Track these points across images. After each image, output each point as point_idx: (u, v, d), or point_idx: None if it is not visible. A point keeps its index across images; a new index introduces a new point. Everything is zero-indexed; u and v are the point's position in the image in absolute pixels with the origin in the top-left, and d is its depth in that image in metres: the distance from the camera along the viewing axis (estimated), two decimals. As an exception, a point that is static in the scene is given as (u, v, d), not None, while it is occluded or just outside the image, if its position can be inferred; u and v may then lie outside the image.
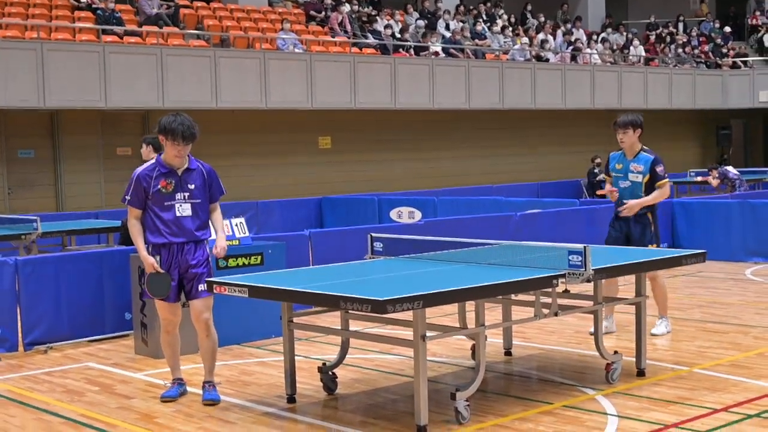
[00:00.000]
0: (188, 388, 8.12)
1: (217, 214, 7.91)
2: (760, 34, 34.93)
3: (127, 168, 20.41)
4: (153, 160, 7.76)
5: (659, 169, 9.58)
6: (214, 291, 7.45)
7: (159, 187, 7.59)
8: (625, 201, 9.65)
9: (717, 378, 8.11)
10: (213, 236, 7.87)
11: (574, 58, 29.54)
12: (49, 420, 7.49)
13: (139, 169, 7.72)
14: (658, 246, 9.72)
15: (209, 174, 7.80)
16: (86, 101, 19.39)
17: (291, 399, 7.74)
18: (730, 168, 21.81)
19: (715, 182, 21.49)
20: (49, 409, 7.82)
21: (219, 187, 7.87)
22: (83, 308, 10.43)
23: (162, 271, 7.58)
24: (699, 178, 23.20)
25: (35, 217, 13.83)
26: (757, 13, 36.10)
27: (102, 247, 13.55)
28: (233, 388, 8.21)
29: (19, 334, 10.11)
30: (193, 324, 7.82)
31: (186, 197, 7.65)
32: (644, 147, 9.76)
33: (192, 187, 7.67)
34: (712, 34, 35.36)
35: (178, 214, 7.63)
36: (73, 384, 8.66)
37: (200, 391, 7.85)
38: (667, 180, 9.68)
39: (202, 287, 7.65)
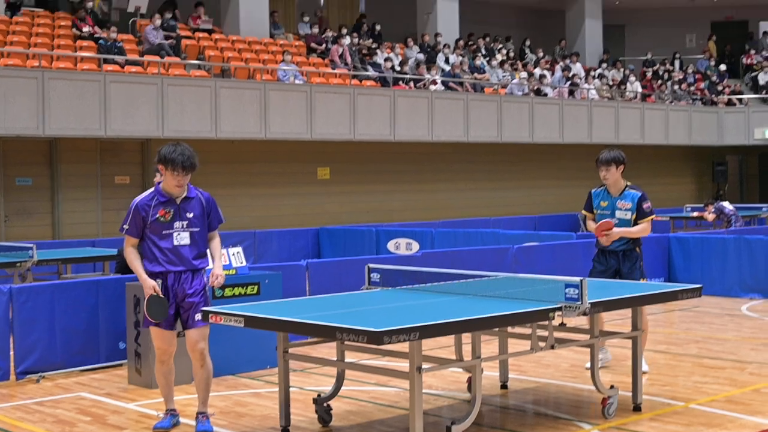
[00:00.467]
0: (181, 419, 8.06)
1: (216, 243, 7.90)
2: (754, 73, 35.21)
3: (125, 197, 20.47)
4: (152, 189, 7.76)
5: (646, 205, 9.53)
6: (210, 320, 7.42)
7: (157, 215, 7.58)
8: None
9: (713, 414, 8.09)
10: (211, 265, 7.86)
11: (571, 93, 29.67)
12: (41, 449, 7.44)
13: (138, 198, 7.72)
14: (646, 281, 9.74)
15: (208, 202, 7.80)
16: (86, 130, 19.42)
17: (285, 431, 7.70)
18: (726, 203, 21.83)
19: (711, 217, 21.52)
20: (41, 438, 7.77)
21: (218, 215, 7.87)
22: (77, 337, 10.34)
23: (161, 295, 7.57)
24: (695, 214, 23.24)
25: (31, 245, 13.77)
26: (752, 51, 36.45)
27: (98, 276, 13.52)
28: (227, 419, 8.18)
29: (12, 363, 10.01)
30: (189, 354, 7.79)
31: (184, 226, 7.64)
32: (629, 183, 9.68)
33: (190, 215, 7.66)
34: (708, 72, 35.63)
35: (176, 243, 7.61)
36: (64, 414, 8.58)
37: (194, 423, 7.81)
38: (652, 216, 9.62)
39: (198, 317, 7.62)
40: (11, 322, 9.99)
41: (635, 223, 9.58)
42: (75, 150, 20.37)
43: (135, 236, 7.65)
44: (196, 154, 7.65)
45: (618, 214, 9.56)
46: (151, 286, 7.53)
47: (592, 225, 9.86)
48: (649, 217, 9.53)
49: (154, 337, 7.80)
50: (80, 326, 10.36)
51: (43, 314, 10.14)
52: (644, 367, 9.80)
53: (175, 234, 7.61)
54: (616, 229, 9.50)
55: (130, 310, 9.79)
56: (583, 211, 10.03)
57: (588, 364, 9.71)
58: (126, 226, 7.64)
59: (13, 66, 19.06)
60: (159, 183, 7.72)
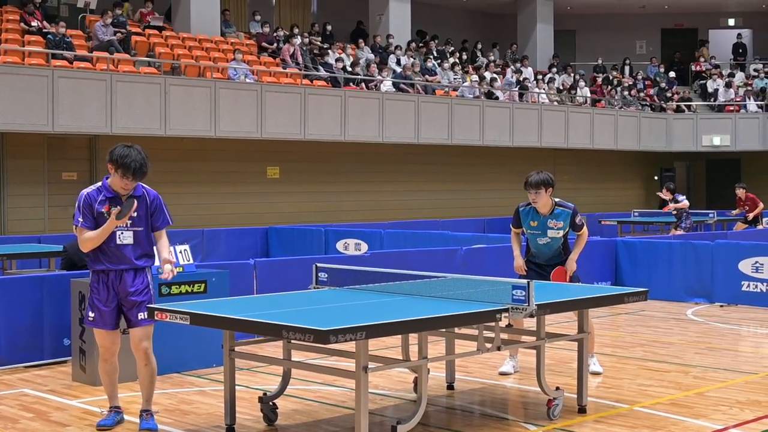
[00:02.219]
0: (126, 417, 8.00)
1: (163, 241, 7.78)
2: (703, 81, 35.65)
3: (72, 193, 20.20)
4: (99, 183, 7.66)
5: (578, 219, 9.43)
6: (156, 318, 7.36)
7: (102, 210, 7.49)
8: (536, 258, 9.65)
9: (657, 416, 8.16)
10: (157, 263, 7.79)
11: (521, 96, 29.81)
12: (-19, 446, 7.35)
13: (86, 190, 7.61)
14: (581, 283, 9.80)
15: (153, 201, 7.68)
16: (33, 125, 19.23)
17: (230, 429, 7.65)
18: (683, 197, 21.84)
19: (668, 195, 21.33)
20: (-18, 435, 7.68)
21: (164, 216, 7.74)
22: (21, 333, 10.24)
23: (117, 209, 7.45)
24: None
25: (-24, 240, 13.67)
26: (701, 59, 36.87)
27: (43, 272, 13.40)
28: (172, 417, 8.12)
29: (-45, 358, 9.93)
30: (132, 352, 7.72)
31: (128, 225, 7.53)
32: (556, 200, 9.51)
33: (135, 214, 7.59)
34: (657, 78, 36.00)
35: (118, 242, 7.51)
36: (7, 410, 8.48)
37: (138, 420, 7.74)
38: (584, 225, 9.56)
39: (142, 315, 7.54)
40: (-45, 317, 9.87)
41: (566, 237, 9.55)
42: (22, 145, 20.15)
43: (90, 229, 7.49)
44: (148, 158, 7.53)
45: (550, 233, 9.43)
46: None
47: (516, 247, 9.75)
48: (584, 229, 9.50)
49: (97, 335, 7.73)
50: (25, 322, 10.26)
51: (-14, 310, 10.02)
52: (598, 368, 9.87)
53: (118, 233, 7.50)
54: (571, 264, 9.50)
55: (75, 307, 9.69)
56: (511, 227, 9.81)
57: (501, 369, 9.81)
58: (80, 219, 7.50)
59: (-41, 59, 18.82)
60: (107, 177, 7.63)
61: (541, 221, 9.45)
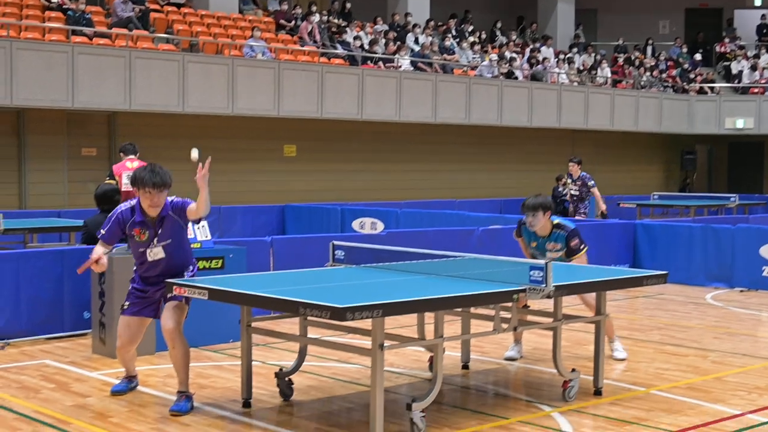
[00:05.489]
0: (142, 388, 8.09)
1: (196, 203, 7.77)
2: (727, 62, 35.26)
3: (91, 168, 20.38)
4: (134, 201, 7.69)
5: (573, 243, 9.17)
6: (174, 292, 7.41)
7: (133, 233, 7.63)
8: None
9: (674, 400, 8.15)
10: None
11: (534, 77, 29.63)
12: (3, 416, 7.42)
13: (121, 207, 7.72)
14: None
15: (177, 210, 7.69)
16: (53, 101, 19.29)
17: (246, 404, 7.71)
18: (593, 184, 20.45)
19: (575, 169, 19.78)
20: (4, 404, 7.75)
21: (182, 202, 7.76)
22: (42, 306, 10.37)
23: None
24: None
25: (-3, 214, 13.77)
26: (726, 40, 36.46)
27: (63, 246, 13.48)
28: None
29: (-23, 329, 10.05)
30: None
31: (156, 242, 7.63)
32: (555, 222, 9.26)
33: (160, 232, 7.64)
34: (680, 59, 35.67)
35: (150, 258, 7.62)
36: (29, 381, 8.60)
37: (155, 392, 7.82)
38: (584, 250, 9.25)
39: (170, 295, 7.62)
40: (-22, 289, 9.98)
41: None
42: (42, 121, 20.22)
43: (108, 243, 7.73)
44: (169, 172, 7.60)
45: (549, 254, 9.30)
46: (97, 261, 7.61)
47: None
48: (581, 253, 9.20)
49: (119, 325, 7.86)
50: (46, 295, 10.39)
51: (9, 282, 10.17)
52: (621, 354, 9.77)
53: (148, 251, 7.63)
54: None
55: (95, 281, 9.77)
56: (515, 235, 9.65)
57: (506, 354, 9.77)
58: (103, 231, 7.73)
59: (-20, 35, 18.88)
60: (137, 198, 7.67)
61: (539, 243, 9.28)
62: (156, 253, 7.64)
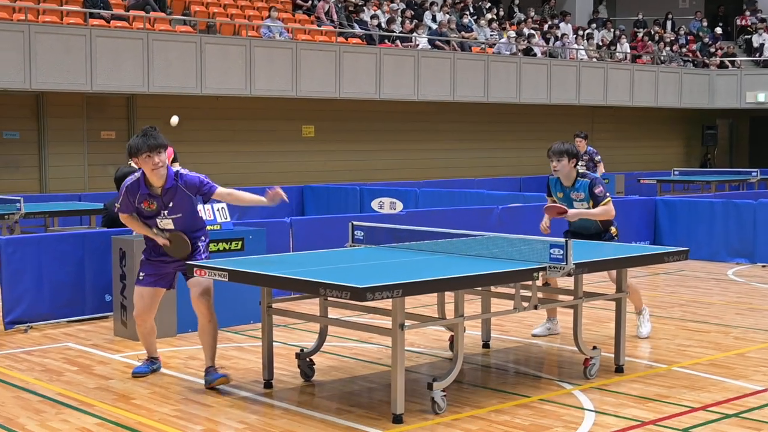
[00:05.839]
0: (164, 369, 8.12)
1: (234, 194, 7.85)
2: (748, 35, 34.91)
3: (111, 152, 20.44)
4: (138, 173, 7.71)
5: (598, 190, 9.13)
6: (195, 274, 7.43)
7: (142, 205, 7.68)
8: (571, 226, 9.46)
9: (696, 377, 8.12)
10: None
11: (551, 54, 29.51)
12: (27, 398, 7.47)
13: (127, 181, 7.75)
14: None
15: (190, 187, 7.64)
16: (72, 84, 19.34)
17: (268, 384, 7.73)
18: (598, 155, 19.74)
19: (582, 144, 19.46)
20: (28, 387, 7.80)
21: (210, 186, 7.70)
22: (64, 289, 10.41)
23: (166, 240, 7.69)
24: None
25: (18, 198, 13.88)
26: (747, 13, 36.11)
27: (84, 229, 13.54)
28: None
29: (0, 313, 10.14)
30: (194, 308, 7.80)
31: (166, 214, 7.67)
32: (580, 171, 9.30)
33: (171, 205, 7.65)
34: (700, 33, 35.39)
35: (160, 226, 7.70)
36: (52, 363, 8.65)
37: (177, 374, 7.85)
38: (608, 199, 9.20)
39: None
40: (0, 273, 10.04)
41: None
42: (61, 104, 20.29)
43: (128, 212, 7.79)
44: (158, 133, 7.57)
45: (575, 204, 9.27)
46: (162, 243, 7.71)
47: (545, 222, 9.59)
48: (606, 200, 9.15)
49: (138, 293, 7.91)
50: (67, 278, 10.43)
51: (30, 266, 10.21)
52: (647, 328, 9.66)
53: (158, 220, 7.71)
54: (571, 211, 9.22)
55: (116, 263, 9.80)
56: (546, 196, 9.71)
57: (534, 332, 9.77)
58: (118, 205, 7.80)
59: (-1, 19, 18.93)
60: (141, 170, 7.69)
61: (565, 193, 9.29)
62: (166, 224, 7.69)
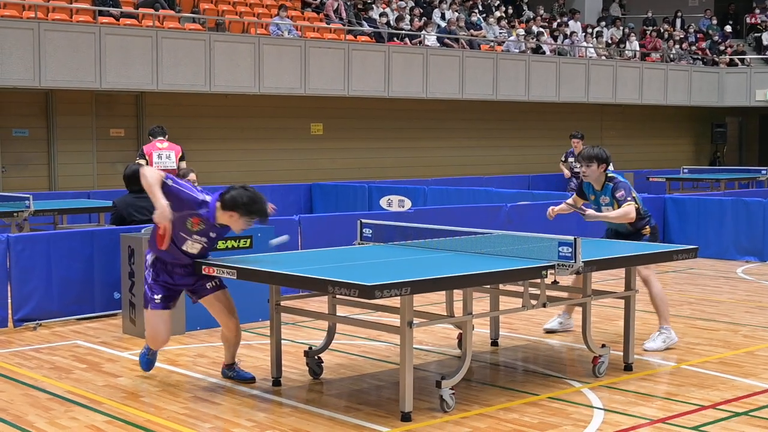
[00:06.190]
0: (172, 367, 8.19)
1: None
2: (758, 33, 34.82)
3: (119, 149, 20.49)
4: (210, 198, 7.41)
5: (619, 194, 9.00)
6: (203, 272, 7.43)
7: (189, 218, 7.34)
8: (608, 224, 9.45)
9: (705, 375, 8.12)
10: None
11: (560, 52, 29.46)
12: (36, 396, 7.49)
13: (198, 193, 7.41)
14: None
15: (225, 227, 7.53)
16: (81, 82, 19.35)
17: (276, 382, 7.74)
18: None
19: (578, 145, 19.69)
20: (37, 385, 7.83)
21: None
22: (73, 286, 10.44)
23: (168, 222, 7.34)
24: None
25: (28, 196, 13.91)
26: (757, 11, 36.02)
27: (93, 227, 13.56)
28: (219, 370, 8.19)
29: (9, 311, 10.15)
30: (225, 319, 7.74)
31: (200, 240, 7.47)
32: (609, 175, 9.18)
33: (213, 235, 7.51)
34: (710, 31, 35.31)
35: (184, 248, 7.45)
36: (61, 361, 8.67)
37: (186, 372, 7.85)
38: (630, 202, 9.01)
39: (211, 284, 7.63)
40: (9, 271, 10.08)
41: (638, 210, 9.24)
42: (70, 102, 20.31)
43: (159, 181, 7.29)
44: (266, 204, 7.47)
45: (603, 209, 9.21)
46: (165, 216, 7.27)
47: (564, 204, 9.57)
48: (627, 202, 9.00)
49: (155, 318, 7.65)
50: (76, 276, 10.46)
51: (39, 263, 10.24)
52: (656, 344, 9.09)
53: (189, 241, 7.44)
54: (589, 211, 9.17)
55: (125, 261, 9.81)
56: (576, 194, 9.57)
57: (546, 326, 9.76)
58: (161, 174, 7.37)
59: (9, 17, 18.93)
60: (215, 200, 7.34)
61: (596, 195, 9.24)
62: (195, 247, 7.48)
